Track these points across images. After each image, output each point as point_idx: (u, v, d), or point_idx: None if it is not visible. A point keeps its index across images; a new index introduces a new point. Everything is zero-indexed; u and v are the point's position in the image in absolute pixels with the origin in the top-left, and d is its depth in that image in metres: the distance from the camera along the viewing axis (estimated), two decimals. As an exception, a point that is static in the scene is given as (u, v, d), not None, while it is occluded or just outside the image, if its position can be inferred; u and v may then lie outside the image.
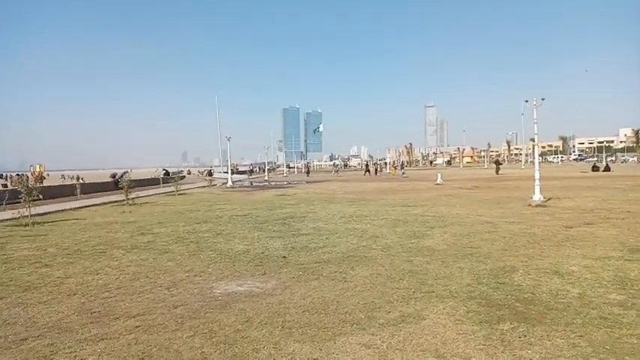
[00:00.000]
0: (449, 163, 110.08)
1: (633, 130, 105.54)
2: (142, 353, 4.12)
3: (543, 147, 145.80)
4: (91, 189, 31.63)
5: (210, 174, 63.04)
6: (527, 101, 17.48)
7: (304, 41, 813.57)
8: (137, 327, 4.77)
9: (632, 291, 5.42)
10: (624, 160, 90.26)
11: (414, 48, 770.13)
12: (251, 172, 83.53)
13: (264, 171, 70.39)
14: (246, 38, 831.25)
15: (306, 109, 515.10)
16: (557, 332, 4.24)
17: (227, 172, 44.95)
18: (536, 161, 17.82)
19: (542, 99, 16.81)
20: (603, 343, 3.95)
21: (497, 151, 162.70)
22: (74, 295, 6.08)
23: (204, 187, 35.93)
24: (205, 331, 4.61)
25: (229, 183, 37.12)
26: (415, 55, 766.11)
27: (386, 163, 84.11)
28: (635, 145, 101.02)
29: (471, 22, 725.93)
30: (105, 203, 21.05)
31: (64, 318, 5.14)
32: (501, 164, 51.81)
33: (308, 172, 67.06)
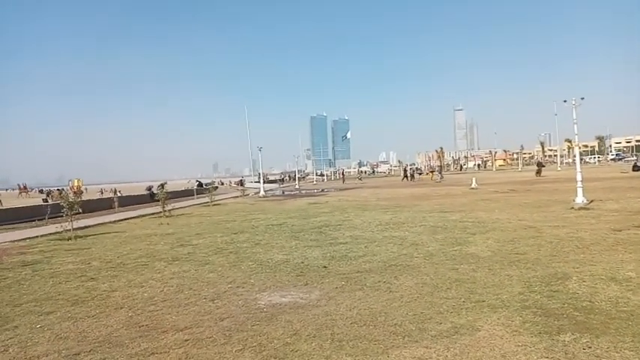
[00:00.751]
0: (479, 166, 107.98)
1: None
2: (194, 368, 4.09)
3: (579, 147, 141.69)
4: (128, 202, 32.37)
5: (241, 184, 63.76)
6: (565, 101, 16.96)
7: (330, 46, 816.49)
8: (186, 341, 4.76)
9: (700, 298, 5.11)
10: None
11: (441, 51, 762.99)
12: (282, 180, 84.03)
13: (294, 179, 70.73)
14: (271, 47, 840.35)
15: (334, 117, 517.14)
16: (625, 343, 4.01)
17: (258, 182, 45.36)
18: (578, 162, 17.27)
19: (582, 98, 16.29)
20: (678, 356, 3.71)
21: (530, 153, 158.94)
22: (121, 308, 6.14)
23: (237, 197, 36.26)
24: (254, 344, 4.56)
25: (261, 192, 37.37)
26: (442, 58, 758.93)
27: (417, 168, 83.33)
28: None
29: (497, 22, 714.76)
30: (142, 215, 21.46)
31: (114, 332, 5.18)
32: (544, 166, 50.41)
33: (344, 179, 66.65)
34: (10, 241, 13.68)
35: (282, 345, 4.50)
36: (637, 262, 6.98)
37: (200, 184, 56.74)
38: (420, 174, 57.91)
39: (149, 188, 39.19)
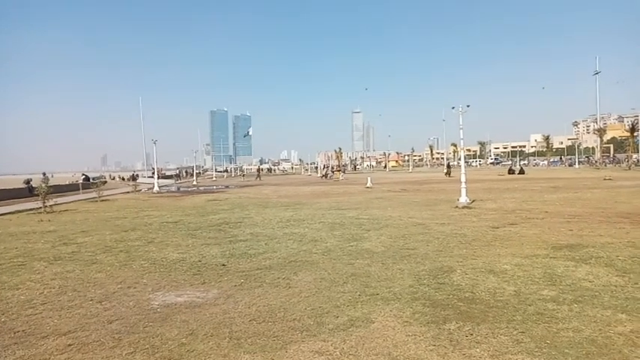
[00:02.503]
0: (372, 167, 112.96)
1: (543, 135, 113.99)
2: (78, 375, 3.79)
3: (464, 151, 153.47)
4: (2, 196, 29.13)
5: (134, 178, 60.29)
6: (453, 108, 18.29)
7: (232, 41, 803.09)
8: (69, 345, 4.39)
9: (561, 287, 5.78)
10: (536, 164, 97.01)
11: (342, 54, 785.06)
12: (178, 176, 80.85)
13: (192, 175, 68.43)
14: (171, 37, 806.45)
15: (235, 113, 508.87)
16: (501, 330, 4.41)
17: (152, 177, 43.20)
18: (463, 165, 18.69)
19: (468, 106, 17.69)
20: (544, 338, 4.16)
21: (419, 155, 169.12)
22: (-9, 313, 5.50)
23: (128, 192, 34.25)
24: (147, 346, 4.33)
25: (155, 188, 35.64)
26: (343, 61, 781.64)
27: (325, 167, 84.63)
28: (545, 149, 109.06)
29: (394, 28, 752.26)
30: (19, 211, 19.43)
31: (-18, 340, 4.62)
32: (451, 167, 54.20)
33: (259, 176, 64.53)
34: None
35: (177, 346, 4.32)
36: (511, 255, 7.73)
37: (87, 178, 52.67)
38: (333, 172, 60.30)
39: (27, 181, 35.55)
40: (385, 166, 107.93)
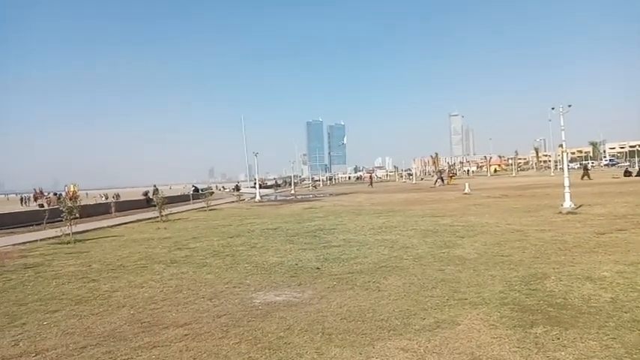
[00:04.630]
0: (468, 172, 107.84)
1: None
2: (194, 359, 4.42)
3: (573, 153, 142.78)
4: (124, 207, 32.57)
5: (237, 189, 63.92)
6: (553, 108, 17.41)
7: (326, 52, 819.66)
8: (186, 335, 5.09)
9: (665, 295, 5.48)
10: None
11: (436, 56, 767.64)
12: (278, 185, 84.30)
13: (289, 184, 71.00)
14: (268, 52, 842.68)
15: (330, 122, 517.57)
16: (590, 335, 4.37)
17: (254, 187, 45.65)
18: (565, 168, 17.67)
19: (569, 105, 16.74)
20: (636, 345, 4.07)
21: (524, 159, 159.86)
22: (123, 307, 6.45)
23: (233, 202, 36.56)
24: (250, 338, 4.89)
25: (257, 197, 37.66)
26: (438, 64, 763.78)
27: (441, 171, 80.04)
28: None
29: (492, 27, 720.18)
30: (140, 220, 21.73)
31: (117, 328, 5.50)
32: (589, 169, 46.38)
33: (371, 183, 62.19)
34: (12, 245, 13.96)
35: (275, 338, 4.83)
36: (614, 262, 7.36)
37: (196, 189, 56.89)
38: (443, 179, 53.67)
39: (145, 193, 39.38)
40: (468, 172, 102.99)
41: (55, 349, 4.87)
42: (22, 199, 65.30)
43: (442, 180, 50.88)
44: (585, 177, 39.94)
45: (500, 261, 8.04)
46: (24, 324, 5.84)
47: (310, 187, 70.93)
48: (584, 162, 79.56)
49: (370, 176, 74.67)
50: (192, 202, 36.72)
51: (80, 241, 14.32)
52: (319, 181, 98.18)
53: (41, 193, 55.29)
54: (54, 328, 5.62)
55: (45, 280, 8.58)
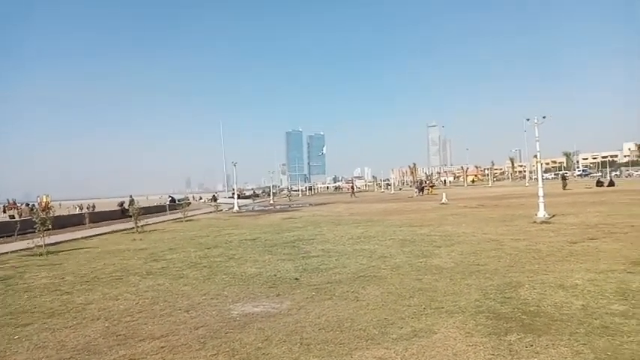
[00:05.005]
0: (445, 182, 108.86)
1: (636, 144, 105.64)
2: (170, 371, 4.37)
3: (547, 163, 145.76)
4: (99, 217, 31.98)
5: (215, 199, 63.37)
6: (528, 119, 17.84)
7: (306, 64, 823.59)
8: (162, 347, 5.02)
9: (633, 301, 5.66)
10: (629, 175, 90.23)
11: (415, 68, 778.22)
12: (256, 196, 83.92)
13: (268, 195, 70.77)
14: (247, 62, 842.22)
15: (309, 132, 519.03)
16: (562, 341, 4.48)
17: (232, 197, 45.35)
18: (540, 179, 18.08)
19: (544, 117, 17.20)
20: (605, 350, 4.19)
21: (500, 169, 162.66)
22: (98, 319, 6.34)
23: (210, 212, 36.23)
24: (227, 349, 4.86)
25: (235, 208, 37.45)
26: (417, 75, 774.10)
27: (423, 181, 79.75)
28: (638, 158, 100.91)
29: (469, 39, 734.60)
30: (115, 231, 21.37)
31: (92, 341, 5.40)
32: (566, 179, 48.18)
33: (353, 193, 61.69)
34: (-20, 257, 13.55)
35: (254, 349, 4.81)
36: (585, 271, 7.55)
37: (173, 200, 56.23)
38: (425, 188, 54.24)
39: (121, 204, 38.77)
40: (445, 182, 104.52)
41: (27, 364, 4.75)
42: (-8, 210, 63.48)
43: (422, 190, 51.48)
44: (564, 188, 41.20)
45: (476, 270, 8.17)
46: (-6, 338, 5.69)
47: (288, 198, 70.83)
48: (561, 172, 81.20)
49: (352, 186, 73.69)
50: (169, 212, 36.27)
51: (53, 252, 13.99)
52: (298, 191, 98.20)
53: (14, 204, 53.89)
54: (25, 342, 5.48)
55: (16, 292, 8.36)
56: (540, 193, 16.71)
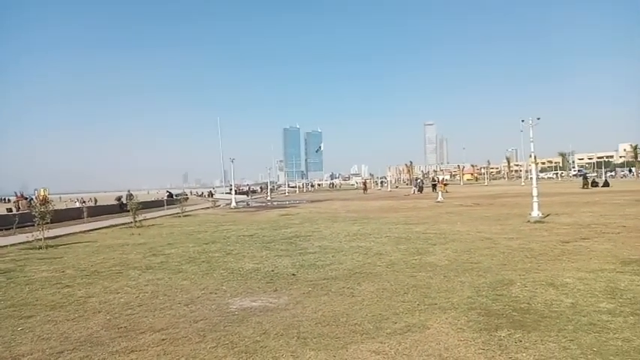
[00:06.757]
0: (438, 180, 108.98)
1: (632, 145, 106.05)
2: (172, 362, 4.52)
3: (543, 163, 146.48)
4: (97, 212, 32.07)
5: (211, 195, 63.48)
6: (523, 120, 18.00)
7: (304, 62, 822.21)
8: (163, 340, 5.17)
9: (621, 300, 5.84)
10: (624, 175, 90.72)
11: (413, 66, 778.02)
12: (253, 192, 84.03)
13: (266, 191, 70.89)
14: (245, 59, 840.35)
15: (307, 129, 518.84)
16: (550, 337, 4.65)
17: (229, 193, 45.46)
18: (534, 179, 18.25)
19: (538, 118, 17.33)
20: (591, 346, 4.36)
21: (497, 168, 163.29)
22: (99, 312, 6.48)
23: (208, 208, 36.36)
24: (227, 342, 5.01)
25: (233, 204, 37.56)
26: (414, 74, 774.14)
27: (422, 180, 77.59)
28: (634, 159, 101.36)
29: (469, 39, 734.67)
30: (113, 226, 21.49)
31: (94, 333, 5.54)
32: (587, 179, 46.12)
33: (365, 189, 65.12)
34: (-20, 250, 13.66)
35: (252, 342, 4.96)
36: (576, 270, 7.73)
37: (170, 195, 56.31)
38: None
39: (119, 198, 38.82)
40: (461, 179, 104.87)
41: (32, 354, 4.89)
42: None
43: (421, 190, 51.80)
44: (585, 186, 41.74)
45: (469, 268, 8.34)
46: (-2, 330, 5.82)
47: (286, 193, 71.10)
48: (582, 172, 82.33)
49: (364, 183, 76.57)
50: (167, 207, 36.37)
51: (52, 246, 14.12)
52: (295, 187, 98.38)
53: (22, 196, 53.69)
54: (29, 333, 5.62)
55: (17, 285, 8.49)
56: (534, 192, 16.88)
